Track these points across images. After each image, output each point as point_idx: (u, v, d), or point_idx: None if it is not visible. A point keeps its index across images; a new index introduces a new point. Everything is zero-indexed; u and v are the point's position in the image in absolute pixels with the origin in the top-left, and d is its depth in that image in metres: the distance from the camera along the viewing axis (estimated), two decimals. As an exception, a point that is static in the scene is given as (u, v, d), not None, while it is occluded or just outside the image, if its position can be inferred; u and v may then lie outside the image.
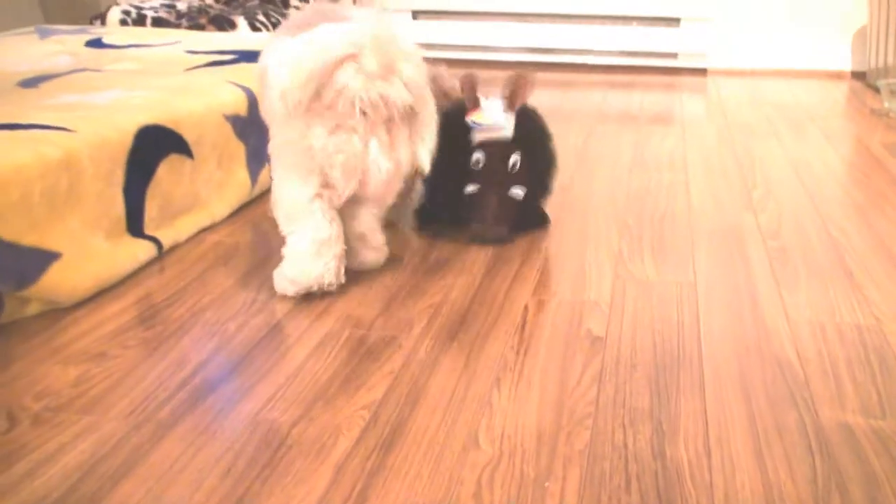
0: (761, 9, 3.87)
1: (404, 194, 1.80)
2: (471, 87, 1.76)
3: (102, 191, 1.57)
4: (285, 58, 1.40)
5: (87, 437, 1.11)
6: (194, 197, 1.82)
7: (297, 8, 3.38)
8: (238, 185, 1.97)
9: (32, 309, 1.46)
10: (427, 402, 1.19)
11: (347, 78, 1.39)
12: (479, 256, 1.72)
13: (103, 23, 3.14)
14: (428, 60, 1.94)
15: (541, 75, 3.71)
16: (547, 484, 1.03)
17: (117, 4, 3.19)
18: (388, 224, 1.80)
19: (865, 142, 2.66)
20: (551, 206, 1.98)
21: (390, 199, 1.58)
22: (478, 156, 1.73)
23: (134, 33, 2.76)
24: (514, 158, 1.72)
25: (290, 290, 1.53)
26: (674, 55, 3.89)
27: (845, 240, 1.81)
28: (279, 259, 1.65)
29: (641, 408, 1.18)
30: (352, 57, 1.39)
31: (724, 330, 1.41)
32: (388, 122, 1.47)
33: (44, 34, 2.69)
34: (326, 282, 1.52)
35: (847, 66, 3.87)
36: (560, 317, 1.46)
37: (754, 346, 1.36)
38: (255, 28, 3.08)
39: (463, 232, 1.82)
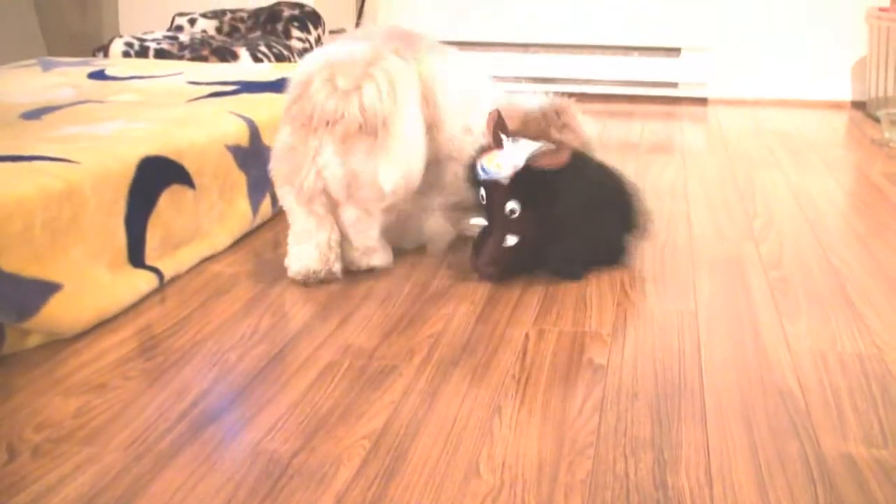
0: (761, 39, 3.89)
1: (403, 218, 1.81)
2: (494, 125, 1.69)
3: (104, 222, 1.58)
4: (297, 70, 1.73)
5: (88, 468, 1.10)
6: (196, 227, 1.83)
7: (299, 40, 3.41)
8: (239, 215, 1.98)
9: (33, 340, 1.45)
10: (428, 432, 1.19)
11: (314, 90, 1.64)
12: (479, 285, 1.72)
13: (106, 55, 3.16)
14: (556, 94, 2.04)
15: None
16: (548, 514, 1.02)
17: (120, 37, 3.21)
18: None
19: (866, 171, 2.67)
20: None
21: (373, 209, 1.70)
22: (483, 192, 1.71)
23: (136, 65, 2.78)
24: (511, 206, 1.67)
25: (290, 274, 1.72)
26: (674, 84, 3.91)
27: (846, 269, 1.81)
28: (282, 289, 1.70)
29: (643, 437, 1.18)
30: (325, 73, 1.65)
31: (726, 359, 1.41)
32: (346, 134, 1.64)
33: (46, 66, 2.71)
34: (312, 270, 1.69)
35: (847, 96, 3.89)
36: (561, 346, 1.46)
37: (756, 376, 1.35)
38: (257, 59, 3.10)
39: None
